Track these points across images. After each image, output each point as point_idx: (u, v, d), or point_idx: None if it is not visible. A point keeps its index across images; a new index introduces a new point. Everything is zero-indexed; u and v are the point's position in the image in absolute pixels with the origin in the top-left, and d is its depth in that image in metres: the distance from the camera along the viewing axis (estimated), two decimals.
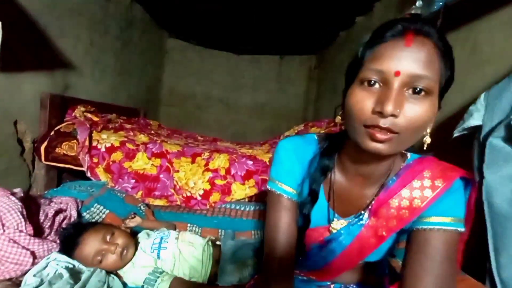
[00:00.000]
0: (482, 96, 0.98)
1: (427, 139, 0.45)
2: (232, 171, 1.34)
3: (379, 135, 0.40)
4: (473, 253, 0.96)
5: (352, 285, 0.62)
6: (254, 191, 1.32)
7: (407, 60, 0.39)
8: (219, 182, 1.33)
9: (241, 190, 1.32)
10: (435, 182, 0.48)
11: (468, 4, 1.20)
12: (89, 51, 1.98)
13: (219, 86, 3.83)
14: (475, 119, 0.98)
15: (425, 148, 0.47)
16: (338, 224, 0.54)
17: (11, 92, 1.35)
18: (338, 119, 0.51)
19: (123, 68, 2.49)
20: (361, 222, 0.52)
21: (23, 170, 1.50)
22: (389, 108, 0.39)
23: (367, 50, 0.43)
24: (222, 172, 1.35)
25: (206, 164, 1.37)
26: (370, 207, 0.52)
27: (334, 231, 0.55)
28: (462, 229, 0.46)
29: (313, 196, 0.54)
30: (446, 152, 1.29)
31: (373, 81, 0.41)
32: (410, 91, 0.40)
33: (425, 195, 0.47)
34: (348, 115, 0.44)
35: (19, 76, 1.38)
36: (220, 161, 1.38)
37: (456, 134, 1.05)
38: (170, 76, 3.63)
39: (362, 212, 0.52)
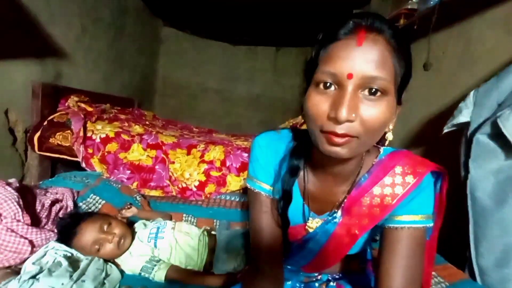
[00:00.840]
0: (472, 93, 1.01)
1: (389, 136, 0.45)
2: (228, 163, 1.36)
3: (337, 140, 0.39)
4: (455, 243, 1.01)
5: (338, 274, 0.65)
6: None
7: (360, 61, 0.38)
8: (214, 173, 1.35)
9: (236, 182, 1.34)
10: (405, 178, 0.48)
11: (462, 1, 1.22)
12: (80, 38, 1.93)
13: (215, 77, 3.80)
14: (464, 115, 1.01)
15: (386, 144, 0.47)
16: (314, 222, 0.55)
17: (0, 80, 1.32)
18: (300, 119, 0.50)
19: (116, 56, 2.44)
20: (334, 220, 0.52)
21: (15, 160, 1.49)
22: (343, 114, 0.37)
23: (321, 50, 0.41)
24: (218, 164, 1.36)
25: (202, 156, 1.39)
26: (342, 205, 0.52)
27: (310, 229, 0.55)
28: (431, 224, 0.48)
29: (286, 197, 0.53)
30: (436, 146, 1.34)
31: (328, 84, 0.40)
32: (366, 92, 0.39)
33: (396, 192, 0.48)
34: (306, 118, 0.43)
35: (8, 64, 1.35)
36: (215, 153, 1.39)
37: (446, 130, 1.09)
38: (165, 65, 3.57)
39: (336, 210, 0.52)
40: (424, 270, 0.50)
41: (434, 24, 1.32)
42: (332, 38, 0.40)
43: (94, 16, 2.05)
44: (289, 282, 0.61)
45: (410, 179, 0.47)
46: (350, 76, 0.38)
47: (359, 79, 0.38)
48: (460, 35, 1.33)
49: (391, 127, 0.45)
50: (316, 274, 0.64)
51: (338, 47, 0.39)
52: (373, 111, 0.39)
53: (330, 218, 0.53)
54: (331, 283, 0.61)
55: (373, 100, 0.39)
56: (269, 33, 3.24)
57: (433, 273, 0.84)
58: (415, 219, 0.47)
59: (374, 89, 0.38)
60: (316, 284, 0.61)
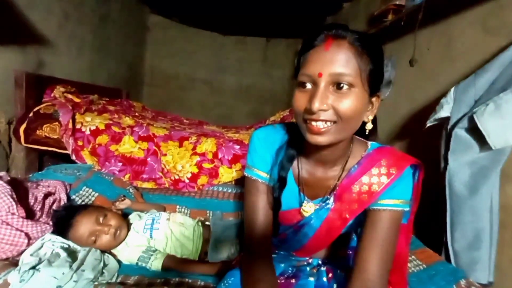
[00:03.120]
0: (452, 89, 1.07)
1: (369, 125, 0.53)
2: (220, 155, 1.38)
3: (315, 127, 0.48)
4: (432, 229, 1.10)
5: (326, 259, 0.70)
6: (240, 174, 1.37)
7: (327, 62, 0.47)
8: (206, 165, 1.37)
9: (228, 174, 1.37)
10: (390, 169, 0.55)
11: (446, 0, 1.27)
12: (63, 24, 1.85)
13: (204, 67, 3.74)
14: (444, 111, 1.08)
15: (367, 133, 0.55)
16: (307, 206, 0.61)
17: None
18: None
19: (101, 44, 2.36)
20: (328, 206, 0.59)
21: (0, 152, 1.44)
22: (316, 105, 0.46)
23: (301, 57, 0.51)
24: (210, 156, 1.38)
25: (194, 148, 1.40)
26: (335, 192, 0.58)
27: (305, 213, 0.61)
28: (407, 209, 0.56)
29: (282, 182, 0.60)
30: (419, 139, 1.41)
31: (306, 84, 0.49)
32: (335, 86, 0.47)
33: (381, 181, 0.55)
34: (294, 113, 0.53)
35: None
36: (207, 145, 1.41)
37: (428, 124, 1.15)
38: (152, 55, 3.48)
39: (328, 196, 0.59)
40: (402, 251, 0.58)
41: (420, 21, 1.37)
42: (309, 47, 0.50)
43: (76, 1, 1.96)
44: (282, 265, 0.66)
45: (393, 170, 0.55)
46: (320, 74, 0.47)
47: (328, 76, 0.47)
48: (443, 33, 1.39)
49: (370, 117, 0.53)
50: (307, 258, 0.69)
51: (312, 54, 0.49)
52: (343, 101, 0.47)
53: (323, 204, 0.60)
54: (322, 268, 0.66)
55: (341, 92, 0.47)
56: (259, 23, 3.21)
57: (412, 256, 0.92)
58: (395, 203, 0.55)
59: (341, 84, 0.47)
60: (308, 268, 0.66)
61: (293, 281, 0.60)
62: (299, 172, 0.61)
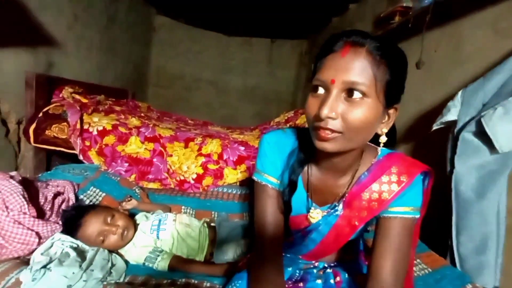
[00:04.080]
0: (460, 93, 1.06)
1: (383, 138, 0.52)
2: (225, 156, 1.39)
3: (323, 134, 0.47)
4: (438, 233, 1.09)
5: (334, 263, 0.71)
6: (245, 175, 1.38)
7: (342, 69, 0.46)
8: (211, 166, 1.38)
9: (233, 175, 1.38)
10: (400, 177, 0.54)
11: (455, 1, 1.25)
12: (72, 26, 1.88)
13: (209, 68, 3.76)
14: (452, 114, 1.07)
15: (381, 146, 0.53)
16: (315, 213, 0.60)
17: None
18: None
19: (109, 45, 2.39)
20: (336, 212, 0.59)
21: (9, 151, 1.47)
22: (324, 111, 0.45)
23: (318, 62, 0.50)
24: (215, 157, 1.39)
25: (199, 149, 1.41)
26: (344, 199, 0.58)
27: (312, 219, 0.61)
28: (418, 216, 0.55)
29: (292, 185, 0.60)
30: (426, 142, 1.40)
31: (318, 88, 0.48)
32: (347, 95, 0.46)
33: (392, 189, 0.54)
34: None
35: None
36: (212, 146, 1.42)
37: (435, 127, 1.14)
38: (158, 55, 3.51)
39: (337, 203, 0.59)
40: (410, 255, 0.57)
41: (428, 23, 1.36)
42: (326, 52, 0.48)
43: (85, 2, 1.99)
44: (290, 269, 0.66)
45: (404, 178, 0.54)
46: (333, 81, 0.46)
47: (341, 83, 0.46)
48: (452, 34, 1.37)
49: (384, 130, 0.51)
50: (313, 261, 0.70)
51: (328, 59, 0.48)
52: (354, 111, 0.46)
53: (332, 210, 0.59)
54: (328, 270, 0.66)
55: (353, 102, 0.46)
56: (265, 23, 3.22)
57: (418, 260, 0.91)
58: (406, 210, 0.54)
59: (353, 92, 0.46)
60: (314, 271, 0.66)
61: (301, 284, 0.60)
62: (308, 178, 0.61)
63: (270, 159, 0.62)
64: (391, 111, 0.50)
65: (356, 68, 0.45)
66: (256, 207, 0.63)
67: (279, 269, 0.60)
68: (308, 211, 0.62)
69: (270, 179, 0.62)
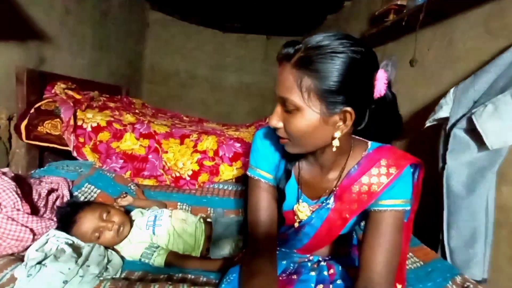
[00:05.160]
0: (451, 90, 1.08)
1: (335, 142, 0.51)
2: (220, 153, 1.39)
3: (280, 139, 0.54)
4: (429, 227, 1.12)
5: (328, 256, 0.72)
6: (241, 172, 1.38)
7: (277, 84, 0.50)
8: (207, 163, 1.38)
9: (229, 171, 1.38)
10: (389, 169, 0.55)
11: (448, 0, 1.27)
12: (64, 20, 1.84)
13: (204, 65, 3.73)
14: (444, 111, 1.09)
15: (334, 150, 0.52)
16: (301, 206, 0.62)
17: None
18: None
19: (102, 41, 2.35)
20: (328, 206, 0.59)
21: (0, 148, 1.44)
22: (271, 122, 0.52)
23: None
24: (211, 154, 1.39)
25: (195, 146, 1.41)
26: (335, 192, 0.59)
27: (299, 213, 0.62)
28: (408, 208, 0.56)
29: (287, 174, 0.62)
30: (419, 139, 1.42)
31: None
32: (284, 108, 0.50)
33: (381, 181, 0.55)
34: None
35: None
36: (208, 143, 1.42)
37: (428, 124, 1.17)
38: (153, 52, 3.47)
39: (328, 197, 0.60)
40: (402, 248, 0.58)
41: (422, 22, 1.38)
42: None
43: None
44: (284, 262, 0.67)
45: (393, 170, 0.55)
46: (276, 94, 0.51)
47: (278, 98, 0.51)
48: (444, 33, 1.39)
49: (337, 134, 0.50)
50: (308, 255, 0.71)
51: None
52: (290, 121, 0.50)
53: (323, 204, 0.60)
54: (322, 263, 0.68)
55: (290, 113, 0.50)
56: (260, 20, 3.21)
57: (410, 253, 0.93)
58: (396, 203, 0.55)
59: (286, 106, 0.49)
60: (309, 264, 0.67)
61: (295, 277, 0.61)
62: (299, 172, 0.62)
63: (263, 154, 0.64)
64: (339, 116, 0.49)
65: (284, 84, 0.48)
66: (249, 201, 0.65)
67: (272, 261, 0.60)
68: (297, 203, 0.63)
69: (263, 174, 0.64)
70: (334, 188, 0.59)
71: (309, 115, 0.48)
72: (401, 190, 0.55)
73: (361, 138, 0.61)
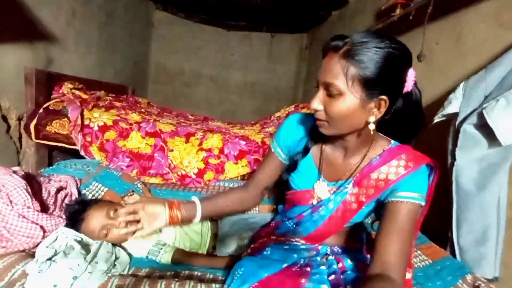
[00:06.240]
0: (461, 85, 1.06)
1: (371, 126, 0.58)
2: (226, 151, 1.39)
3: (317, 121, 0.61)
4: (438, 225, 1.09)
5: (336, 247, 0.73)
6: (246, 170, 1.38)
7: (323, 71, 0.57)
8: (213, 161, 1.39)
9: (234, 169, 1.38)
10: (408, 163, 0.60)
11: None
12: (71, 22, 1.87)
13: (209, 63, 3.74)
14: (453, 106, 1.07)
15: (371, 133, 0.59)
16: (320, 185, 0.69)
17: None
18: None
19: (108, 41, 2.37)
20: (346, 190, 0.65)
21: (10, 148, 1.48)
22: (312, 104, 0.58)
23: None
24: (216, 152, 1.39)
25: (200, 144, 1.41)
26: (354, 178, 0.65)
27: (317, 190, 0.69)
28: (423, 203, 0.60)
29: (305, 150, 0.71)
30: (427, 135, 1.40)
31: (316, 85, 0.60)
32: (327, 92, 0.57)
33: (398, 171, 0.60)
34: None
35: None
36: (213, 141, 1.42)
37: (436, 120, 1.14)
38: (158, 51, 3.49)
39: (347, 181, 0.66)
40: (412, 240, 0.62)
41: (429, 15, 1.35)
42: (323, 55, 0.59)
43: None
44: (295, 255, 0.68)
45: (411, 164, 0.60)
46: (318, 81, 0.58)
47: (322, 84, 0.58)
48: (453, 27, 1.36)
49: (371, 119, 0.57)
50: (316, 245, 0.73)
51: (323, 61, 0.59)
52: (331, 104, 0.56)
53: (342, 188, 0.66)
54: (330, 257, 0.69)
55: (331, 97, 0.56)
56: (265, 18, 3.19)
57: (418, 251, 0.92)
58: (413, 196, 0.59)
59: (329, 90, 0.56)
60: (318, 258, 0.68)
61: (308, 269, 0.62)
62: (321, 155, 0.70)
63: (285, 136, 0.75)
64: (375, 103, 0.56)
65: (331, 71, 0.55)
66: (261, 162, 0.81)
67: (243, 190, 0.81)
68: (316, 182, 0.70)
69: (278, 150, 0.77)
70: (353, 173, 0.65)
71: (350, 100, 0.55)
72: (418, 184, 0.59)
73: (384, 136, 0.67)
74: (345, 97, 0.55)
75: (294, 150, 0.74)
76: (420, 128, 0.64)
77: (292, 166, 0.74)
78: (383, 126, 0.65)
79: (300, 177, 0.73)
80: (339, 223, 0.67)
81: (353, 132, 0.61)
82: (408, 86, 0.58)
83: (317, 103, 0.58)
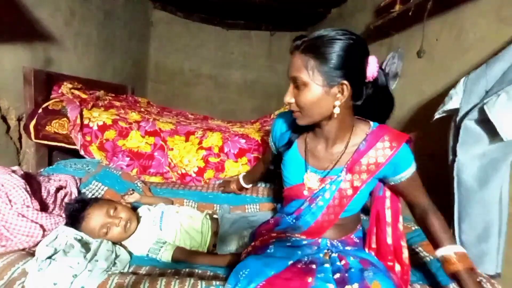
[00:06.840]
0: (462, 80, 1.05)
1: (336, 110, 0.65)
2: (225, 149, 1.39)
3: (293, 113, 0.69)
4: None
5: (335, 240, 0.75)
6: (246, 168, 1.38)
7: (289, 68, 0.65)
8: (212, 159, 1.38)
9: (234, 168, 1.38)
10: (392, 143, 0.68)
11: None
12: (69, 22, 1.86)
13: (208, 62, 3.73)
14: (454, 102, 1.06)
15: (335, 116, 0.66)
16: (310, 175, 0.74)
17: None
18: None
19: (107, 41, 2.37)
20: (340, 178, 0.71)
21: (10, 148, 1.47)
22: (284, 99, 0.67)
23: None
24: (216, 150, 1.39)
25: (200, 142, 1.41)
26: (346, 166, 0.71)
27: (308, 182, 0.74)
28: (416, 167, 0.70)
29: (289, 143, 0.79)
30: (428, 131, 1.39)
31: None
32: (294, 85, 0.65)
33: (386, 153, 0.68)
34: None
35: None
36: (213, 140, 1.42)
37: (437, 116, 1.13)
38: (157, 51, 3.48)
39: (339, 168, 0.72)
40: (394, 232, 0.74)
41: (429, 11, 1.34)
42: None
43: None
44: (299, 252, 0.69)
45: (395, 143, 0.68)
46: (288, 76, 0.66)
47: (290, 78, 0.66)
48: (454, 22, 1.35)
49: (337, 103, 0.64)
50: (316, 238, 0.74)
51: None
52: (300, 95, 0.64)
53: (336, 177, 0.71)
54: (333, 254, 0.69)
55: (299, 90, 0.65)
56: (264, 16, 3.18)
57: (419, 248, 0.92)
58: (409, 171, 0.70)
59: (297, 83, 0.64)
60: (321, 255, 0.69)
61: (314, 266, 0.62)
62: (306, 147, 0.76)
63: (274, 132, 0.87)
64: (338, 88, 0.63)
65: (295, 66, 0.64)
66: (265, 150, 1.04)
67: (254, 170, 1.12)
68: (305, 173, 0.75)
69: (271, 143, 0.91)
70: (340, 160, 0.71)
71: (314, 89, 0.63)
72: (407, 160, 0.69)
73: (362, 118, 0.73)
74: (310, 87, 0.62)
75: (279, 144, 0.83)
76: (391, 109, 0.72)
77: (280, 159, 0.83)
78: (359, 112, 0.72)
79: (289, 170, 0.78)
80: (337, 211, 0.72)
81: (326, 119, 0.67)
82: (373, 73, 0.64)
83: (288, 97, 0.66)
